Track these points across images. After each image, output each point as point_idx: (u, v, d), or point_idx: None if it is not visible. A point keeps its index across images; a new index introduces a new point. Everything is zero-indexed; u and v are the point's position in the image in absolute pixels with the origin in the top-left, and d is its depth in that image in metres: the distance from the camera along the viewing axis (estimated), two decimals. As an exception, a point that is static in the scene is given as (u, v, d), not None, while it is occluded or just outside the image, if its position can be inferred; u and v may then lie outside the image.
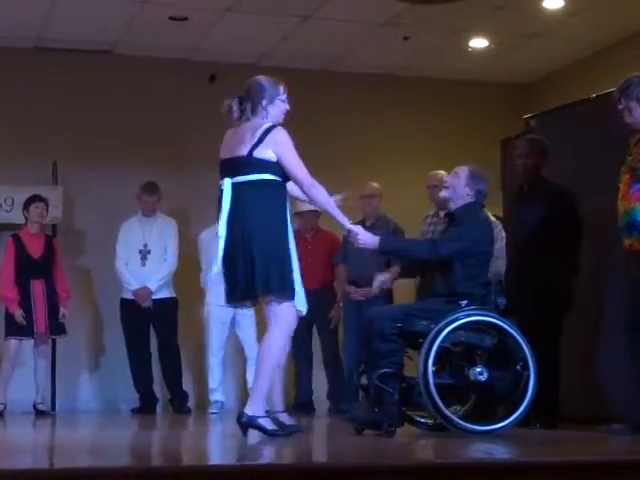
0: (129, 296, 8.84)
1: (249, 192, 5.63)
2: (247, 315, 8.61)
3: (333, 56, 9.98)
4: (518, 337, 5.96)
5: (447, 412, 5.80)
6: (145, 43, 9.55)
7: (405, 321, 5.91)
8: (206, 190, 9.16)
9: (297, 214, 8.87)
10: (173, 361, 8.94)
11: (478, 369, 5.83)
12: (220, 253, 5.66)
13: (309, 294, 8.41)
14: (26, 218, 8.82)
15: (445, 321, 5.86)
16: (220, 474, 3.99)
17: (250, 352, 8.67)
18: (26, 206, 8.81)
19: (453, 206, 6.28)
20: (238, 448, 5.39)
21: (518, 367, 5.93)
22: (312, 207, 8.80)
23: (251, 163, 5.65)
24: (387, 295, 8.39)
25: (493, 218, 7.59)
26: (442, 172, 8.03)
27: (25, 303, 8.59)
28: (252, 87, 5.81)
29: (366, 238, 6.04)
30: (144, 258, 8.83)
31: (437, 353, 5.82)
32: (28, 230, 8.81)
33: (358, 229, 6.04)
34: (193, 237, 9.20)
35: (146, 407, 8.85)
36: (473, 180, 6.23)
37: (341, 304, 8.62)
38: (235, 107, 5.79)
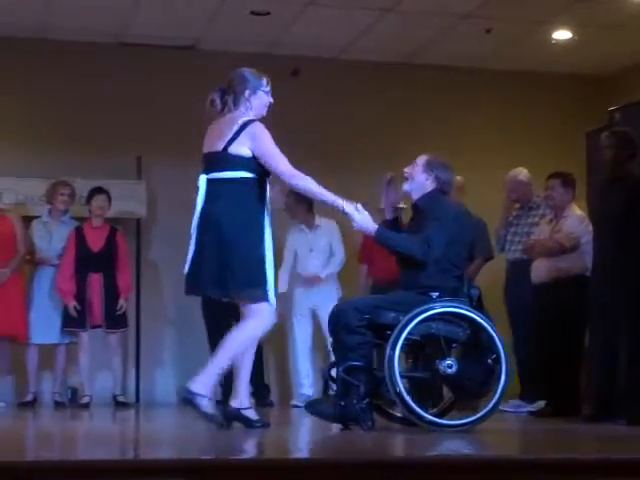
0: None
1: (223, 189, 5.54)
2: (328, 308, 8.66)
3: (413, 49, 9.94)
4: (490, 329, 5.82)
5: (413, 405, 5.66)
6: (227, 38, 9.60)
7: (372, 313, 5.80)
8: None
9: (380, 209, 8.88)
10: (258, 355, 8.96)
11: (447, 362, 5.70)
12: (191, 250, 5.58)
13: (390, 288, 8.54)
14: (90, 211, 8.88)
15: (414, 312, 5.73)
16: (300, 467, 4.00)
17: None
18: (88, 199, 8.85)
19: (415, 197, 6.16)
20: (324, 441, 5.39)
21: (490, 360, 5.78)
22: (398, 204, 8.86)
23: (226, 159, 5.54)
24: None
25: (579, 212, 7.53)
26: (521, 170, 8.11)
27: (81, 296, 8.65)
28: (235, 78, 5.73)
29: (364, 222, 5.88)
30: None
31: (406, 345, 5.72)
32: (91, 223, 8.87)
33: (354, 211, 5.82)
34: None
35: (228, 399, 8.89)
36: (430, 167, 6.12)
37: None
38: (217, 100, 5.71)
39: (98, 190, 8.81)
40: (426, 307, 5.76)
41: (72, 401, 8.95)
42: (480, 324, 5.81)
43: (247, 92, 5.66)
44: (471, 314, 5.83)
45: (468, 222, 6.20)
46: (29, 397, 8.58)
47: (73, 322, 8.65)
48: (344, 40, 9.68)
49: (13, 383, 8.99)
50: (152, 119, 9.65)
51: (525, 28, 9.38)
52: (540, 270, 7.66)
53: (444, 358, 5.71)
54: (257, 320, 5.57)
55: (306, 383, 8.87)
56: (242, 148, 5.51)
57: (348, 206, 5.79)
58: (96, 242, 8.77)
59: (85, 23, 9.19)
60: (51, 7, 8.84)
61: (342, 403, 5.68)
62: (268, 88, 5.76)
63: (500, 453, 4.95)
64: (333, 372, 5.89)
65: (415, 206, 6.18)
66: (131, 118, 9.59)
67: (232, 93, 5.68)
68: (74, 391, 9.01)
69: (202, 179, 5.58)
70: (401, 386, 5.62)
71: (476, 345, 5.84)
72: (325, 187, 9.42)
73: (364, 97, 10.11)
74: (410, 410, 5.65)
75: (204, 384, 5.49)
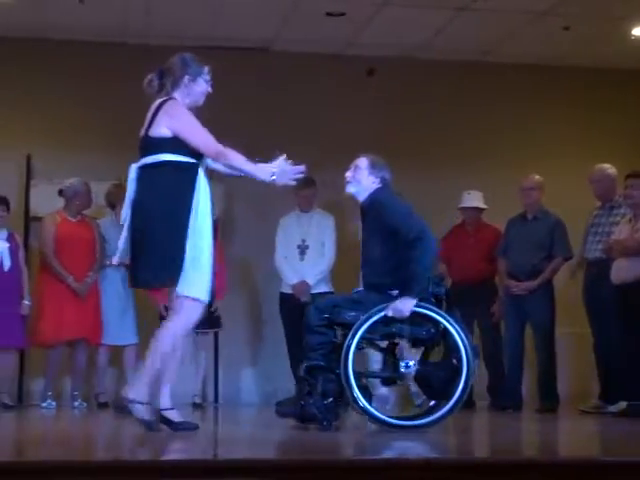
0: (288, 290, 8.90)
1: (147, 175, 5.38)
2: None
3: (489, 47, 9.86)
4: (452, 329, 5.71)
5: (365, 404, 5.60)
6: (302, 39, 9.63)
7: (332, 312, 5.75)
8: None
9: (460, 209, 8.84)
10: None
11: (405, 362, 5.67)
12: (123, 240, 5.47)
13: (469, 287, 8.52)
14: None
15: (371, 312, 5.66)
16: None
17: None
18: None
19: (360, 199, 6.10)
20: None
21: (454, 360, 5.70)
22: (474, 204, 8.80)
23: (148, 143, 5.40)
24: (548, 289, 8.27)
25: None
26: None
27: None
28: (176, 62, 5.58)
29: (402, 307, 5.68)
30: (302, 253, 8.87)
31: (367, 344, 5.69)
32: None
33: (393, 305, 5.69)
34: (349, 231, 9.25)
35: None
36: (375, 168, 6.10)
37: (502, 299, 8.50)
38: (155, 81, 5.55)
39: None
40: (385, 306, 5.68)
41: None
42: (441, 323, 5.73)
43: (187, 77, 5.54)
44: (431, 313, 5.73)
45: (421, 219, 6.05)
46: (100, 398, 8.66)
47: None
48: (419, 39, 9.64)
49: (90, 384, 9.09)
50: (229, 121, 9.69)
51: (603, 24, 9.26)
52: (620, 270, 7.56)
53: (404, 358, 5.68)
54: (179, 316, 5.41)
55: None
56: (161, 129, 5.36)
57: (265, 174, 5.77)
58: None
59: (167, 27, 9.28)
60: (130, 12, 8.96)
61: (302, 403, 5.67)
62: (209, 77, 5.63)
63: (578, 454, 4.89)
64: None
65: (363, 208, 6.13)
66: (209, 120, 9.62)
67: (171, 76, 5.53)
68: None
69: (131, 168, 5.45)
70: (354, 386, 5.57)
71: (443, 344, 5.78)
72: (403, 185, 9.51)
73: (440, 96, 10.07)
74: (362, 409, 5.61)
75: (137, 390, 5.36)
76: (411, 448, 4.94)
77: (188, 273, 5.34)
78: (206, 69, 5.63)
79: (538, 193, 8.42)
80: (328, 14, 9.06)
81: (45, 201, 8.99)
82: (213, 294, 5.54)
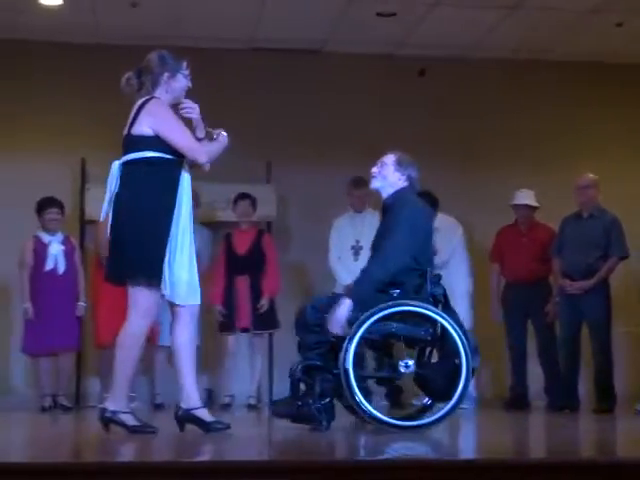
0: (342, 291, 8.91)
1: (130, 172, 5.37)
2: (459, 312, 8.66)
3: (541, 46, 9.80)
4: (451, 329, 5.65)
5: (367, 405, 5.53)
6: (353, 40, 9.63)
7: (329, 311, 5.68)
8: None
9: (512, 206, 8.79)
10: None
11: (404, 361, 5.60)
12: (106, 236, 5.46)
13: (523, 287, 8.48)
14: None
15: (371, 311, 5.58)
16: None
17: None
18: (233, 203, 9.02)
19: (385, 194, 6.05)
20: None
21: (457, 361, 5.62)
22: (526, 201, 8.75)
23: (131, 141, 5.39)
24: (604, 288, 8.20)
25: None
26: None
27: (228, 299, 8.78)
28: (153, 59, 5.54)
29: (337, 319, 5.63)
30: (356, 254, 8.87)
31: (366, 344, 5.62)
32: (239, 227, 9.01)
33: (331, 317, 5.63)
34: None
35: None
36: (402, 166, 6.02)
37: (557, 298, 8.44)
38: (134, 79, 5.51)
39: (242, 196, 8.96)
40: (385, 306, 5.63)
41: (208, 402, 9.06)
42: (441, 324, 5.68)
43: (166, 74, 5.50)
44: (431, 313, 5.68)
45: (429, 221, 6.04)
46: (158, 399, 8.72)
47: (224, 326, 8.80)
48: (471, 39, 9.61)
49: (147, 384, 9.16)
50: (282, 123, 9.73)
51: (658, 20, 9.18)
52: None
53: (403, 357, 5.62)
54: (138, 311, 5.37)
55: None
56: (143, 127, 5.35)
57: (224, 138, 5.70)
58: (241, 246, 8.90)
59: (216, 29, 9.33)
60: (182, 15, 9.02)
61: (299, 403, 5.62)
62: (187, 72, 5.58)
63: (635, 455, 4.85)
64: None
65: (385, 204, 6.09)
66: (262, 123, 9.69)
67: (150, 74, 5.50)
68: (210, 393, 9.13)
69: (114, 165, 5.44)
70: (355, 386, 5.50)
71: (441, 345, 5.72)
72: (453, 185, 9.50)
73: (491, 96, 10.04)
74: (363, 410, 5.54)
75: (118, 400, 5.35)
76: (447, 448, 4.92)
77: (165, 272, 5.32)
78: (184, 64, 5.59)
79: (593, 191, 8.34)
80: (379, 15, 9.05)
81: (100, 204, 9.05)
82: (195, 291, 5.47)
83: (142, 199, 5.33)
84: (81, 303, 8.47)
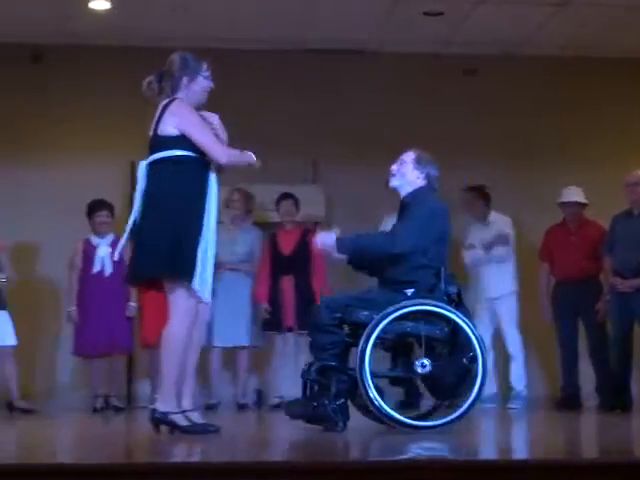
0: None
1: (159, 170, 5.41)
2: (506, 311, 8.73)
3: (589, 42, 9.71)
4: (467, 328, 5.63)
5: (383, 405, 5.51)
6: (399, 40, 9.61)
7: (345, 312, 5.67)
8: (463, 182, 9.19)
9: (561, 204, 8.74)
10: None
11: (421, 361, 5.57)
12: (126, 232, 5.49)
13: (573, 285, 8.42)
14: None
15: (387, 311, 5.56)
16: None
17: (512, 348, 8.73)
18: (276, 204, 9.05)
19: (403, 193, 6.03)
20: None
21: (465, 360, 5.60)
22: (574, 198, 8.69)
23: (157, 141, 5.44)
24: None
25: None
26: None
27: (274, 299, 8.81)
28: (173, 63, 5.56)
29: (323, 240, 5.77)
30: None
31: (381, 344, 5.60)
32: (284, 227, 9.04)
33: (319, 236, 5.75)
34: (455, 229, 9.23)
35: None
36: (421, 164, 6.01)
37: (608, 297, 8.37)
38: (155, 84, 5.55)
39: (285, 196, 8.98)
40: (400, 305, 5.62)
41: (258, 403, 9.11)
42: (456, 322, 5.65)
43: (186, 78, 5.54)
44: (447, 312, 5.67)
45: (446, 219, 5.97)
46: (213, 400, 8.76)
47: (270, 325, 8.84)
48: (518, 36, 9.55)
49: (198, 386, 9.20)
50: (328, 123, 9.74)
51: None
52: None
53: (419, 357, 5.60)
54: (178, 315, 5.39)
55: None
56: (168, 127, 5.41)
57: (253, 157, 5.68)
58: (286, 246, 8.93)
59: (268, 31, 9.37)
60: (230, 18, 9.06)
61: (315, 404, 5.59)
62: (207, 73, 5.61)
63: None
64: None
65: (402, 203, 6.07)
66: (308, 122, 9.70)
67: (170, 78, 5.54)
68: (259, 393, 9.16)
69: (141, 165, 5.50)
70: (371, 386, 5.50)
71: (454, 344, 5.69)
72: (500, 183, 9.46)
73: (538, 93, 9.98)
74: (379, 410, 5.53)
75: (168, 401, 5.39)
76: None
77: (197, 270, 5.34)
78: (204, 66, 5.61)
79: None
80: (426, 14, 9.03)
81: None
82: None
83: (172, 197, 5.36)
84: (131, 304, 8.52)
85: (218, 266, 8.78)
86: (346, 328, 5.78)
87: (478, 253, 8.82)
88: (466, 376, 5.61)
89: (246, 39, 9.47)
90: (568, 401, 8.45)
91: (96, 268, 8.48)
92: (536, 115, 9.91)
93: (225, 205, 8.97)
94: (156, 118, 5.47)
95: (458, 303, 5.81)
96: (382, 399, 5.53)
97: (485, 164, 9.65)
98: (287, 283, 8.87)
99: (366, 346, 5.51)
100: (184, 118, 5.41)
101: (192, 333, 5.46)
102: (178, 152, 5.40)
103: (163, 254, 5.30)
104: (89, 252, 8.52)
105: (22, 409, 8.06)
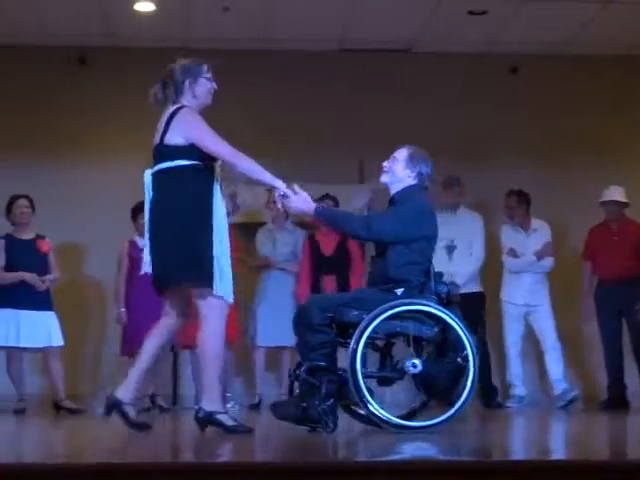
0: (437, 290, 8.90)
1: (164, 180, 5.46)
2: (542, 308, 8.75)
3: (634, 41, 9.62)
4: (458, 327, 5.59)
5: (375, 406, 5.48)
6: (443, 39, 9.59)
7: (336, 311, 5.60)
8: (506, 182, 9.16)
9: (602, 204, 8.68)
10: (482, 355, 8.89)
11: (412, 361, 5.54)
12: (147, 243, 5.56)
13: (616, 285, 8.36)
14: None
15: (377, 310, 5.53)
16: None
17: (548, 343, 8.75)
18: None
19: (393, 190, 5.96)
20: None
21: (459, 359, 5.55)
22: (615, 197, 8.63)
23: (163, 151, 5.48)
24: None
25: None
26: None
27: None
28: (174, 69, 5.61)
29: (299, 202, 5.72)
30: (450, 253, 8.85)
31: (371, 344, 5.58)
32: (322, 229, 9.04)
33: (293, 193, 5.68)
34: (494, 231, 9.20)
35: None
36: (413, 162, 5.92)
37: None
38: (160, 93, 5.59)
39: (323, 197, 8.97)
40: (390, 305, 5.59)
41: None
42: (447, 322, 5.63)
43: (188, 81, 5.57)
44: (437, 311, 5.64)
45: (433, 220, 5.92)
46: (256, 399, 8.78)
47: None
48: (564, 35, 9.49)
49: (242, 385, 9.25)
50: (373, 122, 9.74)
51: None
52: None
53: (409, 357, 5.58)
54: (210, 320, 5.49)
55: (517, 384, 8.82)
56: (175, 137, 5.44)
57: (286, 188, 5.65)
58: (327, 246, 8.93)
59: (306, 31, 9.38)
60: (272, 18, 9.08)
61: (304, 404, 5.54)
62: (209, 75, 5.64)
63: None
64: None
65: (390, 200, 6.02)
66: (353, 122, 9.71)
67: (173, 84, 5.59)
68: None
69: (146, 174, 5.56)
70: (364, 387, 5.48)
71: (445, 343, 5.66)
72: (546, 184, 9.42)
73: (584, 92, 9.91)
74: (371, 412, 5.51)
75: (213, 400, 5.47)
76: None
77: (216, 274, 5.42)
78: (205, 67, 5.65)
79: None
80: (470, 13, 9.01)
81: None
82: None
83: (179, 207, 5.43)
84: None
85: (264, 266, 8.93)
86: (335, 328, 5.74)
87: (523, 261, 8.79)
88: (460, 375, 5.59)
89: (287, 40, 9.49)
90: (614, 401, 8.39)
91: (142, 270, 8.52)
92: (579, 114, 9.85)
93: (265, 206, 9.01)
94: (162, 126, 5.50)
95: (448, 303, 5.80)
96: (373, 399, 5.53)
97: (529, 164, 9.63)
98: (329, 283, 8.88)
99: (357, 346, 5.51)
100: (193, 127, 5.46)
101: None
102: (183, 162, 5.44)
103: (178, 263, 5.41)
104: (134, 254, 8.55)
105: (69, 409, 8.12)
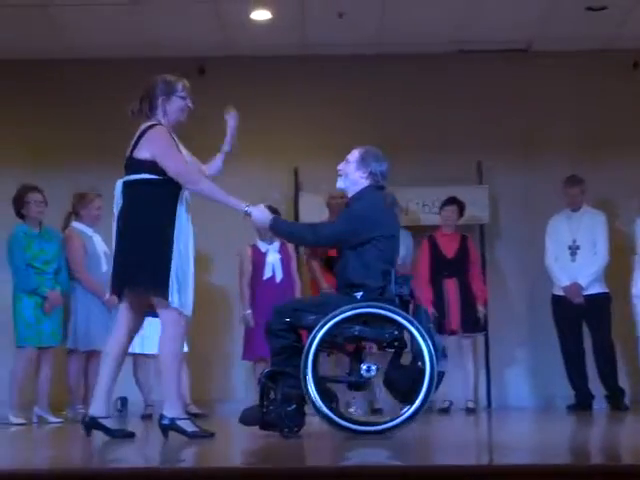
0: (560, 292, 8.78)
1: (132, 191, 5.62)
2: None
3: None
4: (414, 330, 5.50)
5: (326, 410, 5.45)
6: (561, 37, 9.45)
7: (293, 316, 5.60)
8: (629, 178, 8.99)
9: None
10: (608, 357, 8.75)
11: (365, 365, 5.54)
12: (113, 249, 5.69)
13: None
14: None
15: (331, 315, 5.50)
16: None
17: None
18: (440, 207, 9.09)
19: (350, 194, 5.89)
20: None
21: (420, 363, 5.49)
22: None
23: (132, 164, 5.65)
24: None
25: None
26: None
27: (438, 301, 8.79)
28: (148, 86, 5.76)
29: (259, 216, 5.74)
30: (573, 254, 8.74)
31: (326, 347, 5.59)
32: (442, 231, 9.04)
33: (255, 210, 5.74)
34: (619, 229, 9.04)
35: (581, 404, 8.73)
36: (364, 162, 5.84)
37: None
38: (136, 107, 5.74)
39: (450, 201, 9.00)
40: (345, 309, 5.56)
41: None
42: (403, 325, 5.56)
43: (160, 99, 5.73)
44: (392, 315, 5.58)
45: (385, 217, 5.83)
46: (377, 405, 8.77)
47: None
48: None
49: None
50: (491, 123, 9.66)
51: None
52: None
53: (364, 361, 5.61)
54: (168, 331, 5.60)
55: None
56: (143, 152, 5.61)
57: (250, 207, 5.74)
58: (449, 249, 8.94)
59: (423, 33, 9.36)
60: (386, 22, 9.08)
61: (264, 410, 5.58)
62: (184, 93, 5.77)
63: None
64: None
65: (347, 204, 5.98)
66: (471, 122, 9.65)
67: (147, 100, 5.75)
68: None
69: (118, 183, 5.72)
70: (314, 392, 5.46)
71: (405, 347, 5.63)
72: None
73: None
74: (324, 416, 5.50)
75: (175, 407, 5.57)
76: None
77: (173, 284, 5.52)
78: (179, 86, 5.78)
79: None
80: (589, 9, 8.86)
81: (312, 211, 9.26)
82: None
83: (143, 217, 5.59)
84: None
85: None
86: (294, 333, 5.78)
87: None
88: (419, 379, 5.55)
89: (401, 43, 9.49)
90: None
91: (267, 274, 8.62)
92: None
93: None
94: (134, 140, 5.69)
95: (409, 304, 5.78)
96: (327, 403, 5.52)
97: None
98: (451, 286, 8.84)
99: (309, 349, 5.53)
100: (156, 146, 5.61)
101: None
102: (148, 176, 5.61)
103: (135, 269, 5.56)
104: (257, 258, 8.66)
105: (193, 414, 8.23)
